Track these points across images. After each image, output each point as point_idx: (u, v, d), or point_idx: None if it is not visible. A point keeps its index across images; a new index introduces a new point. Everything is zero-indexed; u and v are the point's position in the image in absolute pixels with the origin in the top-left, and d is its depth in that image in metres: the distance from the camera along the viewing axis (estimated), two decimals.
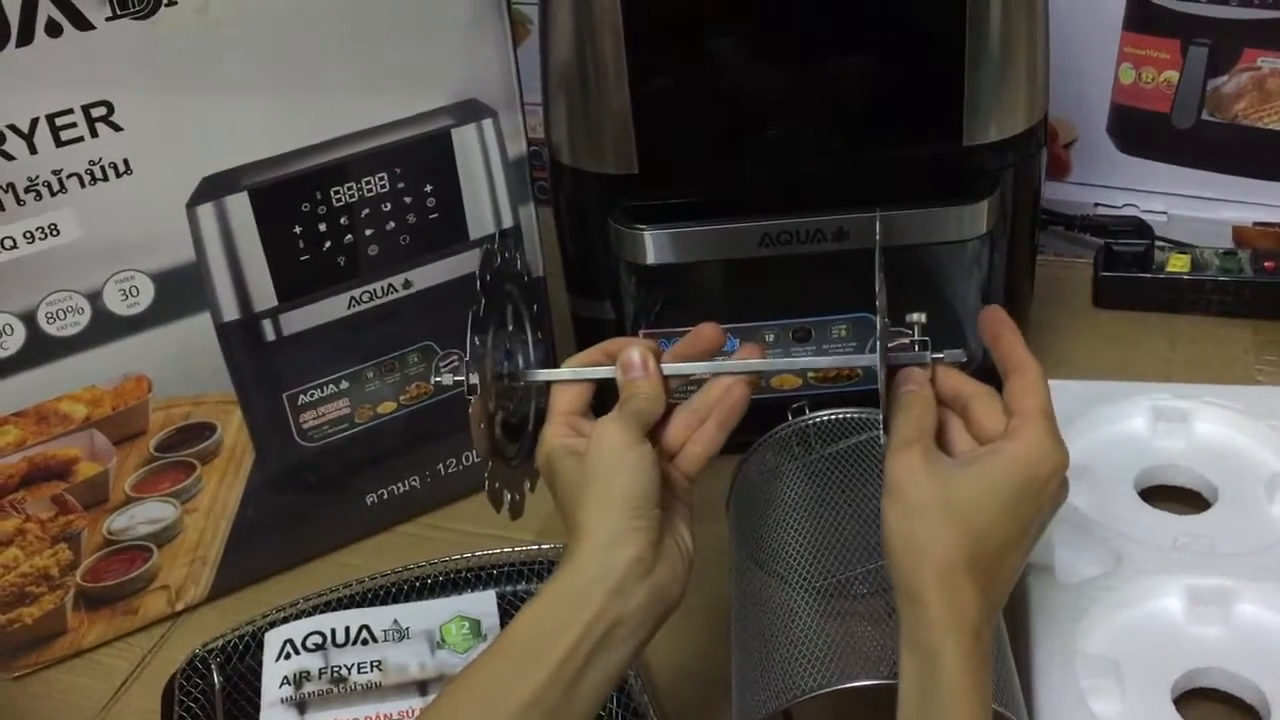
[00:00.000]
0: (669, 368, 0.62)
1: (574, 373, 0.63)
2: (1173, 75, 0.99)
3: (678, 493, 0.61)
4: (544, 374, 0.66)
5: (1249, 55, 0.96)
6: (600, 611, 0.55)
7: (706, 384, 0.63)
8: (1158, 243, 1.02)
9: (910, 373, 0.60)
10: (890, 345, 0.59)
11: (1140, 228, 1.03)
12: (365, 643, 0.75)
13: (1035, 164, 0.82)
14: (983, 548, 0.53)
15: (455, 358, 0.83)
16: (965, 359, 0.60)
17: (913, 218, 0.77)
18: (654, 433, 0.61)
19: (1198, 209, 1.03)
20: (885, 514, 0.55)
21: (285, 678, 0.73)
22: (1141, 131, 1.02)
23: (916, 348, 0.60)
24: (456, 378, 0.61)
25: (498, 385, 0.63)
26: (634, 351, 0.62)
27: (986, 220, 0.78)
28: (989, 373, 0.60)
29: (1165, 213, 1.04)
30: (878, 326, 0.59)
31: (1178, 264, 1.00)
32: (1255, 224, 1.02)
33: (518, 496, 0.67)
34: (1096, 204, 1.06)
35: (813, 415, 0.72)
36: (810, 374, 0.84)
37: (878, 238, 0.64)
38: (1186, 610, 0.69)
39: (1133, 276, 1.00)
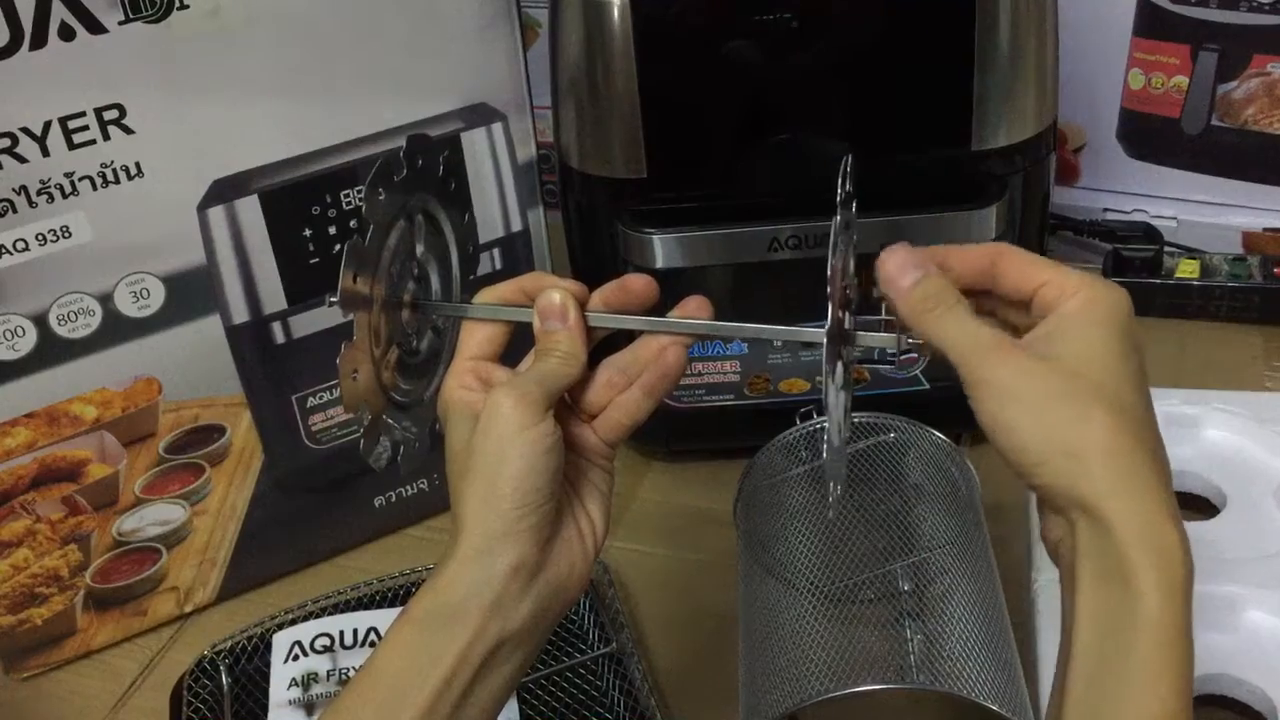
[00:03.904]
0: (595, 318, 0.52)
1: (484, 309, 0.53)
2: (1182, 81, 0.99)
3: (595, 460, 0.53)
4: (449, 307, 0.58)
5: (1258, 61, 0.96)
6: (478, 633, 0.48)
7: (639, 340, 0.53)
8: (1167, 248, 1.02)
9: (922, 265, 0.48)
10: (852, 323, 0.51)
11: (1149, 233, 1.03)
12: (373, 645, 0.76)
13: (1044, 169, 0.81)
14: (1134, 414, 0.43)
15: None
16: None
17: (921, 222, 0.77)
18: (574, 388, 0.52)
19: (1207, 214, 1.03)
20: (1000, 417, 0.44)
21: (293, 679, 0.74)
22: (1151, 137, 1.02)
23: (883, 327, 0.51)
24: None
25: (390, 314, 0.56)
26: (554, 295, 0.52)
27: (995, 225, 0.78)
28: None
29: (1175, 218, 1.04)
30: (829, 264, 0.49)
31: (1187, 269, 0.99)
32: (1265, 230, 1.02)
33: (403, 443, 0.59)
34: (1105, 209, 1.06)
35: (820, 420, 0.72)
36: (817, 378, 0.85)
37: (840, 180, 0.53)
38: (1194, 617, 0.69)
39: (1142, 282, 1.00)
